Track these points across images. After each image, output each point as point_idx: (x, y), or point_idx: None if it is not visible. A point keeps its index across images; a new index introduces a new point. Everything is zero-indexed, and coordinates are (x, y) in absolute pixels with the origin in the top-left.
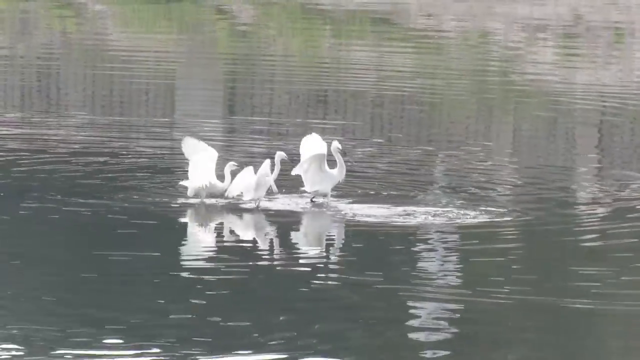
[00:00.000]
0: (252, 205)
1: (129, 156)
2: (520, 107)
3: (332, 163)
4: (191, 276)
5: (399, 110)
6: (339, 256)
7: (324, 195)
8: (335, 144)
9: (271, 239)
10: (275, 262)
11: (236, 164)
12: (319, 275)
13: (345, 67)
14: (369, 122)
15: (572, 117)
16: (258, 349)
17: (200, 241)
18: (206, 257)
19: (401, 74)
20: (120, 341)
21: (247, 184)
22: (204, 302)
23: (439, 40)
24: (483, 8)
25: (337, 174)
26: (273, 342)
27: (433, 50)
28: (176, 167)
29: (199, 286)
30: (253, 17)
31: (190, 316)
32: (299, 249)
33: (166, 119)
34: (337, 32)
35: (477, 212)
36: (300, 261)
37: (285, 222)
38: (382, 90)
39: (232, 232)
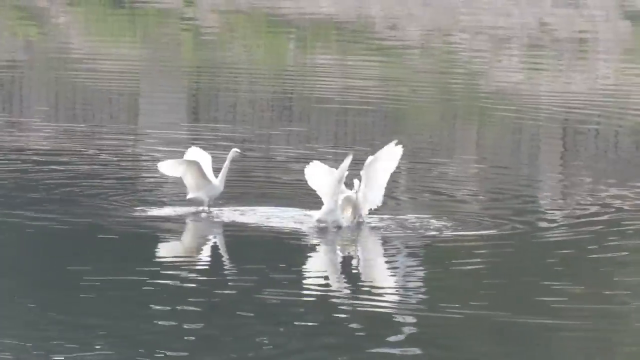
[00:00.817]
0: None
1: (93, 163)
2: (485, 116)
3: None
4: (160, 287)
5: (363, 117)
6: (300, 268)
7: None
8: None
9: (246, 252)
10: (251, 277)
11: (238, 150)
12: (278, 289)
13: (310, 75)
14: (332, 130)
15: (537, 125)
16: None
17: (170, 252)
18: (178, 267)
19: (365, 82)
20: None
21: None
22: (178, 314)
23: (404, 50)
24: (448, 18)
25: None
26: (250, 353)
27: (398, 58)
28: (140, 174)
29: (170, 298)
30: (217, 26)
31: (164, 327)
32: (264, 260)
33: (130, 126)
34: (302, 41)
35: (441, 223)
36: (259, 273)
37: (256, 233)
38: (347, 97)
39: (204, 243)
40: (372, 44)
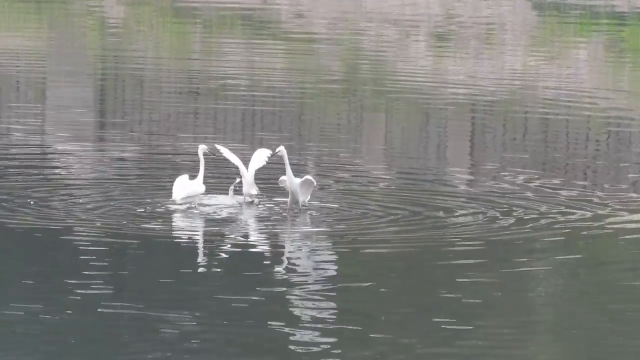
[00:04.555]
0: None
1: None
2: (392, 104)
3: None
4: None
5: (270, 110)
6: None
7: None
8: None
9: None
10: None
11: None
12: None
13: (216, 66)
14: (240, 123)
15: (445, 114)
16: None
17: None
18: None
19: (273, 74)
20: None
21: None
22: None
23: (311, 42)
24: (354, 6)
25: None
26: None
27: (304, 49)
28: (47, 162)
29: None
30: (124, 17)
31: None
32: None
33: (37, 111)
34: (208, 32)
35: (346, 219)
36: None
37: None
38: (254, 89)
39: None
40: (278, 32)
